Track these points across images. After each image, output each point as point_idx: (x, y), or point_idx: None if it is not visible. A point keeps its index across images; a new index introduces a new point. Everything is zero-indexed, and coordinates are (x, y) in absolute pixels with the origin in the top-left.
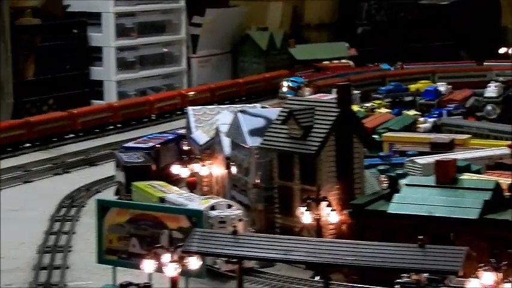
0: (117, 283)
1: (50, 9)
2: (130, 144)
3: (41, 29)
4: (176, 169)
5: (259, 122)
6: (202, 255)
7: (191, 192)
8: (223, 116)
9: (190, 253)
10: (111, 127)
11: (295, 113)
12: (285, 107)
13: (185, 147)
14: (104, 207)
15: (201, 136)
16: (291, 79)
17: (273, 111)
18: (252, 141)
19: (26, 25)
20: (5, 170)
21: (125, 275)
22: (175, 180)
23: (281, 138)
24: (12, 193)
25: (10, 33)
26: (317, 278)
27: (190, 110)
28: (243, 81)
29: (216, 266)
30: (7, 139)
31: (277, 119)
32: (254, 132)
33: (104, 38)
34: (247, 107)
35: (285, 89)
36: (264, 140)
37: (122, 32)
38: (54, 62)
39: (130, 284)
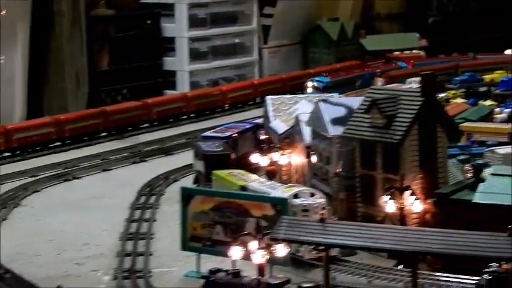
0: (200, 270)
1: (124, 0)
2: (209, 133)
3: (115, 19)
4: (255, 158)
5: (341, 111)
6: (290, 242)
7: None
8: (302, 105)
9: (278, 240)
10: (185, 117)
11: (378, 102)
12: (367, 96)
13: (262, 137)
14: (188, 195)
15: (279, 125)
16: (316, 79)
17: (354, 100)
18: (334, 130)
19: (101, 16)
20: (83, 159)
21: (207, 262)
22: (253, 169)
23: (363, 127)
24: (91, 181)
25: (85, 24)
26: (400, 267)
27: (268, 99)
28: (314, 72)
29: (299, 254)
30: (84, 128)
31: (359, 108)
32: (336, 121)
33: (177, 28)
34: (326, 96)
35: (309, 90)
36: (346, 129)
37: (194, 22)
38: (128, 53)
39: (218, 270)
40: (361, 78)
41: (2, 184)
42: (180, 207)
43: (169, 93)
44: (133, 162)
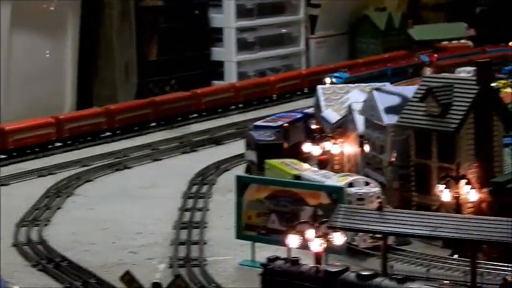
0: (255, 259)
1: None
2: (260, 122)
3: (163, 10)
4: (307, 147)
5: (395, 100)
6: (348, 230)
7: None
8: (354, 94)
9: (336, 229)
10: (233, 107)
11: (433, 90)
12: (422, 85)
13: (313, 126)
14: (243, 184)
15: (332, 114)
16: (335, 75)
17: (408, 89)
18: (388, 119)
19: (150, 6)
20: (134, 149)
21: (262, 250)
22: (304, 159)
23: (418, 116)
24: (143, 171)
25: (135, 15)
26: (455, 256)
27: (319, 88)
28: (362, 62)
29: (354, 243)
30: (134, 118)
31: (414, 97)
32: (390, 110)
33: (225, 19)
34: (378, 85)
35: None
36: (401, 117)
37: (242, 12)
38: (176, 43)
39: (277, 258)
40: (382, 73)
41: (55, 173)
42: (234, 196)
43: (217, 83)
44: (184, 152)
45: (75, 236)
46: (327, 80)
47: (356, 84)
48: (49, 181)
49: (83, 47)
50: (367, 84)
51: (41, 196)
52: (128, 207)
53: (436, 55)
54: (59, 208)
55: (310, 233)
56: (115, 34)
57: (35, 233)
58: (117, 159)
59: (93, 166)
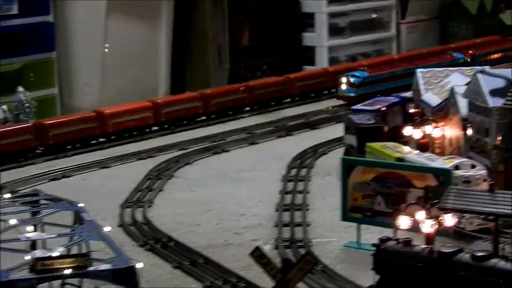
0: (360, 241)
1: None
2: (358, 106)
3: None
4: (408, 131)
5: (499, 83)
6: (460, 212)
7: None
8: (455, 77)
9: (447, 210)
10: (326, 92)
11: None
12: None
13: (411, 110)
14: (349, 166)
15: (432, 98)
16: (352, 73)
17: None
18: (494, 102)
19: None
20: (230, 133)
21: (366, 233)
22: (402, 142)
23: None
24: (240, 154)
25: (227, 1)
26: None
27: (418, 72)
28: (454, 47)
29: (460, 226)
30: (229, 102)
31: None
32: (495, 93)
33: (317, 4)
34: (478, 69)
35: (343, 87)
36: (507, 100)
37: None
38: (267, 29)
39: (389, 239)
40: (408, 71)
41: (154, 156)
42: (334, 179)
43: (308, 68)
44: (279, 136)
45: (179, 217)
46: (343, 79)
47: (456, 68)
48: (149, 164)
49: (176, 33)
50: (468, 68)
51: (142, 178)
52: (228, 190)
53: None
54: (161, 190)
55: (420, 214)
56: (208, 20)
57: (140, 214)
58: (214, 143)
59: (190, 149)
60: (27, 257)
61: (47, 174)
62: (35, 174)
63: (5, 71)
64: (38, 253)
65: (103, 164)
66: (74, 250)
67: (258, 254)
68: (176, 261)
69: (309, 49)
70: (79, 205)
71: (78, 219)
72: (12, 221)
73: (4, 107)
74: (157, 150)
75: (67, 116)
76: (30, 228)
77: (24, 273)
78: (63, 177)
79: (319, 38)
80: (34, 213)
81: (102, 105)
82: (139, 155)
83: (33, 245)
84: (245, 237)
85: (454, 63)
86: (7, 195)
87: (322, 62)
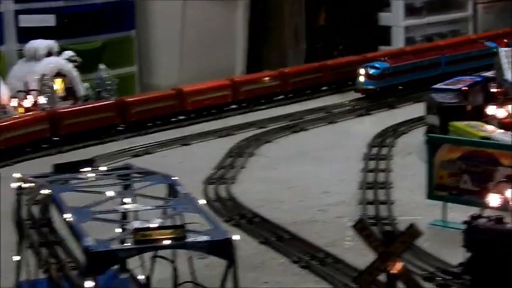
0: (446, 219)
1: None
2: (440, 85)
3: None
4: (491, 110)
5: None
6: None
7: None
8: None
9: None
10: None
11: None
12: None
13: (493, 89)
14: (435, 144)
15: None
16: (371, 65)
17: None
18: None
19: None
20: (308, 112)
21: (452, 211)
22: (484, 122)
23: None
24: (319, 133)
25: None
26: None
27: (502, 51)
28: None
29: None
30: (306, 81)
31: None
32: None
33: None
34: None
35: (362, 79)
36: None
37: None
38: (344, 8)
39: (479, 216)
40: (433, 62)
41: (233, 134)
42: (415, 158)
43: (384, 48)
44: (358, 116)
45: (262, 194)
46: (362, 71)
47: None
48: (228, 142)
49: (253, 13)
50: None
51: (223, 156)
52: (310, 168)
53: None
54: (242, 167)
55: (510, 192)
56: (285, 0)
57: (223, 190)
58: (293, 122)
59: (269, 128)
60: (127, 228)
61: (129, 151)
62: (118, 151)
63: (86, 49)
64: (136, 224)
65: (183, 142)
66: (169, 223)
67: (360, 226)
68: (262, 237)
69: (384, 29)
70: (173, 178)
71: (173, 192)
72: (109, 193)
73: (86, 84)
74: (237, 129)
75: (148, 94)
76: (127, 200)
77: (124, 244)
78: (145, 153)
79: (395, 18)
80: (127, 186)
81: (180, 83)
82: (218, 133)
83: (125, 216)
84: (329, 214)
85: (483, 53)
86: (102, 168)
87: (398, 42)
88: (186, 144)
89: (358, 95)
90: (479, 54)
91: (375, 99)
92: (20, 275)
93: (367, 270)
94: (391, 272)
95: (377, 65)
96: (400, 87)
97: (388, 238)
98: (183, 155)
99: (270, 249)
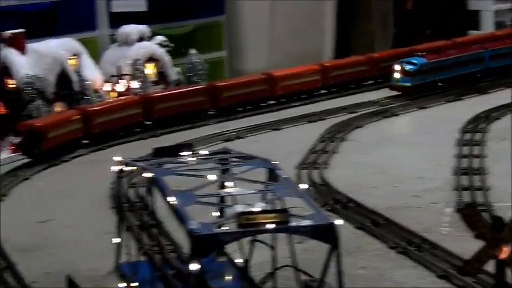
0: None
1: None
2: None
3: None
4: None
5: None
6: None
7: None
8: None
9: None
10: None
11: None
12: None
13: None
14: None
15: None
16: (408, 60)
17: None
18: None
19: None
20: (398, 97)
21: None
22: None
23: None
24: (410, 118)
25: None
26: None
27: None
28: None
29: None
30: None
31: None
32: None
33: None
34: None
35: (397, 75)
36: None
37: None
38: None
39: None
40: (476, 57)
41: (324, 119)
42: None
43: (473, 33)
44: (448, 101)
45: (355, 179)
46: (397, 67)
47: None
48: (319, 127)
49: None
50: None
51: (315, 140)
52: (402, 153)
53: None
54: (334, 152)
55: None
56: None
57: (316, 175)
58: (383, 107)
59: (360, 113)
60: (226, 212)
61: (221, 135)
62: (209, 135)
63: (177, 34)
64: (240, 208)
65: (274, 126)
66: (270, 207)
67: (467, 211)
68: (358, 222)
69: (473, 13)
70: (273, 163)
71: (273, 176)
72: (211, 177)
73: (177, 69)
74: (327, 113)
75: (238, 79)
76: (229, 183)
77: (228, 227)
78: (237, 138)
79: (484, 3)
80: (226, 170)
81: (269, 68)
82: (309, 118)
83: (223, 200)
84: (424, 200)
85: None
86: (202, 152)
87: (487, 26)
88: (276, 129)
89: None
90: None
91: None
92: (120, 257)
93: (475, 257)
94: (500, 258)
95: (414, 61)
96: (440, 84)
97: (497, 224)
98: (274, 140)
99: (366, 234)
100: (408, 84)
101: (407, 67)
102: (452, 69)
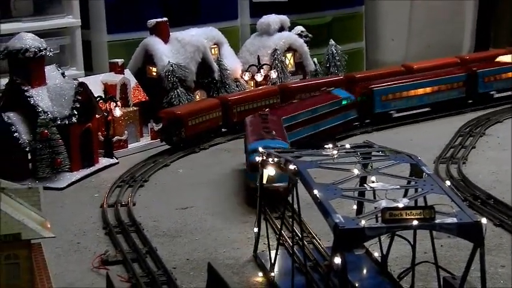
0: None
1: None
2: None
3: None
4: None
5: None
6: None
7: None
8: None
9: None
10: None
11: None
12: None
13: None
14: None
15: None
16: None
17: None
18: None
19: None
20: None
21: None
22: None
23: None
24: None
25: None
26: None
27: None
28: None
29: None
30: None
31: None
32: None
33: None
34: None
35: None
36: None
37: None
38: None
39: None
40: None
41: (463, 113)
42: None
43: None
44: None
45: (495, 176)
46: None
47: None
48: (458, 121)
49: None
50: None
51: (453, 135)
52: None
53: None
54: (473, 147)
55: None
56: None
57: (454, 170)
58: None
59: (500, 108)
60: (374, 206)
61: (358, 128)
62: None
63: (316, 24)
64: (384, 203)
65: (413, 119)
66: (413, 203)
67: None
68: (498, 219)
69: None
70: (418, 158)
71: (416, 172)
72: (355, 171)
73: (315, 59)
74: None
75: (375, 70)
76: (372, 178)
77: (372, 222)
78: (373, 131)
79: None
80: (367, 164)
81: (407, 60)
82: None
83: (363, 194)
84: None
85: None
86: (347, 146)
87: None
88: (416, 122)
89: None
90: None
91: None
92: (258, 246)
93: None
94: None
95: None
96: None
97: None
98: (412, 133)
99: (506, 232)
100: None
101: None
102: None
